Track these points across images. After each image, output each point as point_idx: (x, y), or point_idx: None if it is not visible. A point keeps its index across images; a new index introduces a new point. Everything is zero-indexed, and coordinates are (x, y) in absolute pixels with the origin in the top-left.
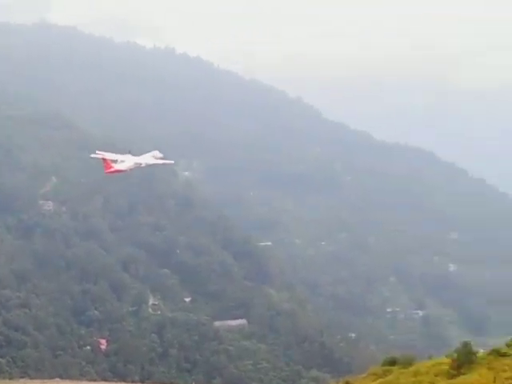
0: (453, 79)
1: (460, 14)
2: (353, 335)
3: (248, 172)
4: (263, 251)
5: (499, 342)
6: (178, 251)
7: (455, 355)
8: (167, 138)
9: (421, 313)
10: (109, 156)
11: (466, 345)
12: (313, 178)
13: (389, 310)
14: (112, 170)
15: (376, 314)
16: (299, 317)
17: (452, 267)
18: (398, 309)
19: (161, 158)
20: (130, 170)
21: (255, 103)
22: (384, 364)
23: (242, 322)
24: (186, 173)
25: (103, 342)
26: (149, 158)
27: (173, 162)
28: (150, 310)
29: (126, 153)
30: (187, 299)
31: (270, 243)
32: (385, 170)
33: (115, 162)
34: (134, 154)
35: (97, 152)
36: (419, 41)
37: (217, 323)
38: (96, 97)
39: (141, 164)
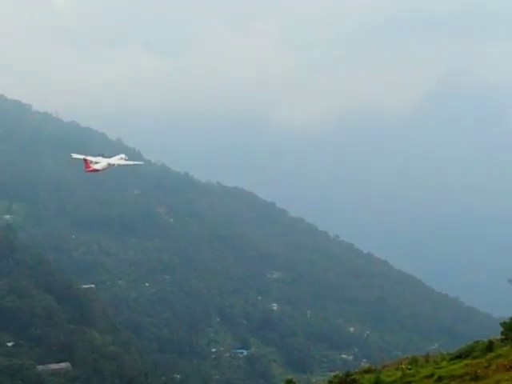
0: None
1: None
2: (178, 376)
3: (69, 215)
4: (86, 294)
5: (321, 379)
6: None
7: None
8: None
9: (245, 352)
10: (87, 157)
11: (288, 382)
12: (136, 220)
13: (214, 350)
14: (90, 169)
15: (201, 354)
16: (123, 359)
17: (275, 306)
18: (222, 348)
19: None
20: (104, 169)
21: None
22: None
23: (65, 365)
24: (7, 216)
25: None
26: (119, 160)
27: (142, 163)
28: None
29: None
30: (10, 344)
31: (93, 285)
32: (206, 210)
33: (92, 162)
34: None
35: (75, 155)
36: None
37: (40, 367)
38: None
39: (114, 164)
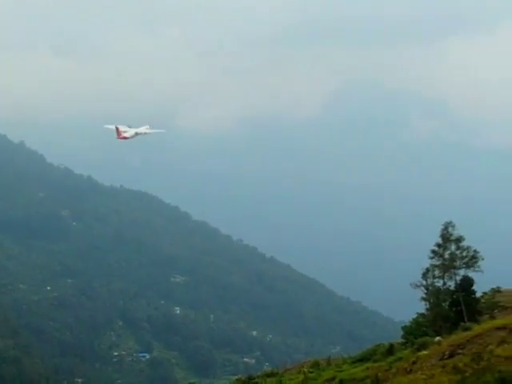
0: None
1: None
2: (80, 380)
3: None
4: None
5: (224, 383)
6: None
7: None
8: None
9: (148, 356)
10: (119, 126)
11: None
12: (40, 223)
13: (116, 353)
14: (121, 136)
15: (104, 358)
16: (24, 364)
17: (178, 310)
18: (124, 352)
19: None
20: (132, 137)
21: None
22: None
23: None
24: None
25: None
26: (144, 129)
27: (163, 130)
28: None
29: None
30: None
31: None
32: (110, 214)
33: (122, 131)
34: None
35: (107, 125)
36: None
37: None
38: None
39: (140, 133)
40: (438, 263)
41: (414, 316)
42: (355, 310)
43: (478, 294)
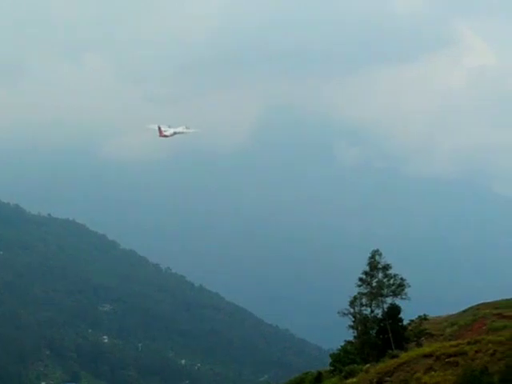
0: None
1: None
2: None
3: None
4: None
5: None
6: None
7: None
8: None
9: None
10: (161, 126)
11: None
12: None
13: (43, 383)
14: (162, 134)
15: None
16: None
17: (106, 339)
18: (52, 382)
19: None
20: (171, 135)
21: None
22: None
23: None
24: None
25: None
26: (181, 129)
27: (199, 130)
28: None
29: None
30: None
31: None
32: (37, 242)
33: (164, 130)
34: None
35: (150, 125)
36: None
37: None
38: None
39: (178, 132)
40: (365, 291)
41: (342, 344)
42: (283, 338)
43: (405, 322)
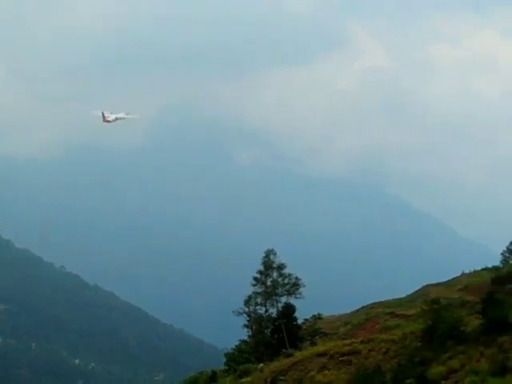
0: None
1: None
2: None
3: None
4: None
5: None
6: None
7: None
8: None
9: None
10: (104, 112)
11: None
12: None
13: None
14: (105, 120)
15: None
16: None
17: None
18: None
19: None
20: (114, 121)
21: None
22: None
23: None
24: None
25: None
26: (122, 115)
27: (138, 116)
28: None
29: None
30: None
31: None
32: None
33: (107, 116)
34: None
35: (95, 111)
36: None
37: None
38: None
39: (119, 118)
40: (260, 290)
41: (237, 343)
42: (179, 337)
43: (300, 321)
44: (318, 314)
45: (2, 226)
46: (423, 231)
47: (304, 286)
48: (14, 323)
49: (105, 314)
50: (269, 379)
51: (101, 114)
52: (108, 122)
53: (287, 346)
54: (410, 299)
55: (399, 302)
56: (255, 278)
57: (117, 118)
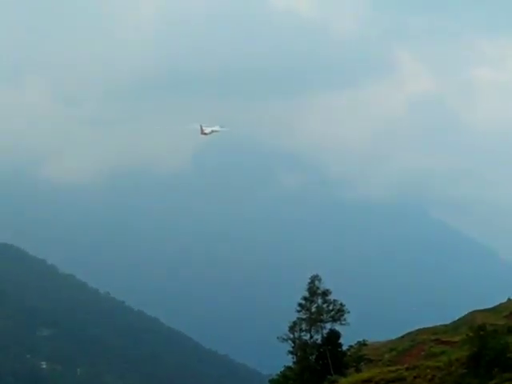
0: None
1: None
2: None
3: None
4: None
5: None
6: None
7: None
8: None
9: None
10: (202, 125)
11: None
12: None
13: None
14: (203, 132)
15: None
16: None
17: (44, 364)
18: None
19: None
20: (210, 133)
21: None
22: None
23: None
24: None
25: None
26: (217, 128)
27: (230, 129)
28: None
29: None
30: None
31: None
32: None
33: (204, 129)
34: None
35: (193, 125)
36: None
37: None
38: None
39: (215, 130)
40: (304, 317)
41: (282, 369)
42: (222, 363)
43: (345, 347)
44: (363, 340)
45: (47, 252)
46: (469, 256)
47: (348, 313)
48: (59, 349)
49: (148, 339)
50: None
51: (199, 127)
52: (205, 134)
53: (332, 372)
54: (456, 325)
55: (445, 329)
56: (300, 304)
57: (212, 131)
